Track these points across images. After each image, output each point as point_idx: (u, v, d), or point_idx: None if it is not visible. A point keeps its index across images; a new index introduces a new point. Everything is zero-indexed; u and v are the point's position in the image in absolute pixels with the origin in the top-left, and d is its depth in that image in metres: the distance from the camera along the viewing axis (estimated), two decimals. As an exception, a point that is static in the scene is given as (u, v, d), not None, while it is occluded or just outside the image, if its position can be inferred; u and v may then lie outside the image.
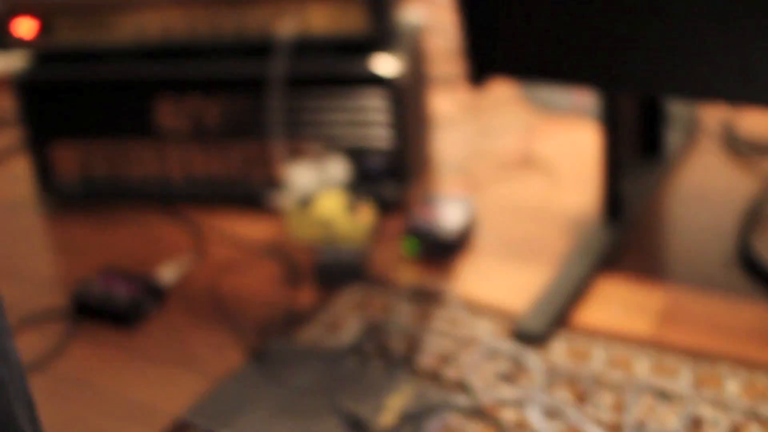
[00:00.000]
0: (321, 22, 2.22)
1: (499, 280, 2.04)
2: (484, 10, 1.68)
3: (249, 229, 2.35)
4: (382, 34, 2.20)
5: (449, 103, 2.99)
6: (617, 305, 1.91)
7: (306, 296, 2.04)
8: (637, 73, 1.65)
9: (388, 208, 2.33)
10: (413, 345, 1.83)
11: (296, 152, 2.36)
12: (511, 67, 1.72)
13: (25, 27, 2.41)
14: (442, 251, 2.11)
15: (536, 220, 2.27)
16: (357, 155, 2.32)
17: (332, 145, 2.32)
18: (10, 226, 2.56)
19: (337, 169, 2.25)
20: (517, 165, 2.53)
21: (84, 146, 2.52)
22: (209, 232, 2.36)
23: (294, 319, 1.96)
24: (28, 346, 2.00)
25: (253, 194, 2.43)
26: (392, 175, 2.32)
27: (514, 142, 2.65)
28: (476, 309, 1.92)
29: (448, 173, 2.53)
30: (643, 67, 1.62)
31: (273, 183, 2.40)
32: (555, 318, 1.85)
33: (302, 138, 2.34)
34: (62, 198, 2.59)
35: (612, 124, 2.05)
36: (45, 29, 2.40)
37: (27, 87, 2.47)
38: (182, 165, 2.47)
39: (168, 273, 2.14)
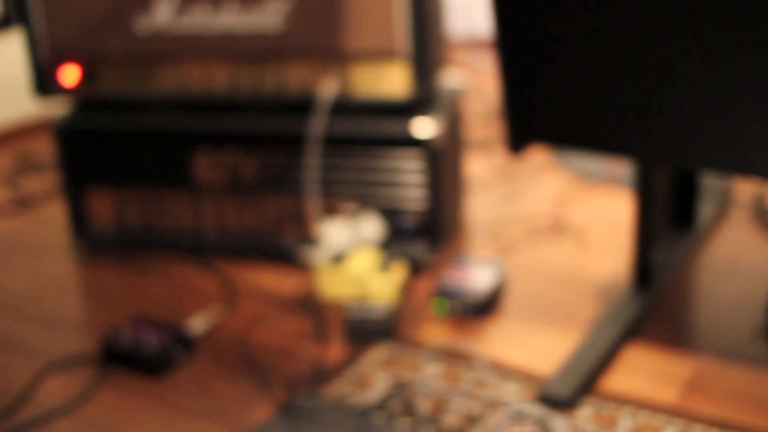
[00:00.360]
0: (361, 82, 2.25)
1: (527, 344, 2.04)
2: (525, 80, 1.70)
3: (280, 283, 2.37)
4: (422, 97, 2.23)
5: (484, 165, 3.01)
6: (644, 373, 1.91)
7: (335, 352, 2.05)
8: (674, 147, 1.67)
9: (419, 267, 2.34)
10: (440, 405, 1.84)
11: (330, 209, 2.38)
12: (549, 136, 1.74)
13: (69, 75, 2.45)
14: (471, 313, 2.12)
15: (566, 285, 2.27)
16: (391, 214, 2.34)
17: (366, 203, 2.34)
18: (43, 271, 2.58)
19: (371, 227, 2.27)
20: (548, 230, 2.54)
21: (120, 194, 2.55)
22: (240, 284, 2.38)
23: (322, 375, 1.96)
24: (56, 390, 2.02)
25: (285, 249, 2.45)
26: (425, 235, 2.33)
27: (546, 208, 2.66)
28: (504, 371, 1.92)
29: (480, 235, 2.55)
30: (680, 141, 1.64)
31: (306, 239, 2.42)
32: (582, 383, 1.85)
33: (337, 196, 2.36)
34: (96, 244, 2.62)
35: (645, 193, 2.06)
36: (88, 78, 2.44)
37: (67, 133, 2.51)
38: (216, 217, 2.50)
39: (198, 324, 2.16)
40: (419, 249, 2.35)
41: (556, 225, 2.56)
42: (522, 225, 2.58)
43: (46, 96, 2.51)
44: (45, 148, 3.20)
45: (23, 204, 3.08)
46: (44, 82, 2.48)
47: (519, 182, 2.88)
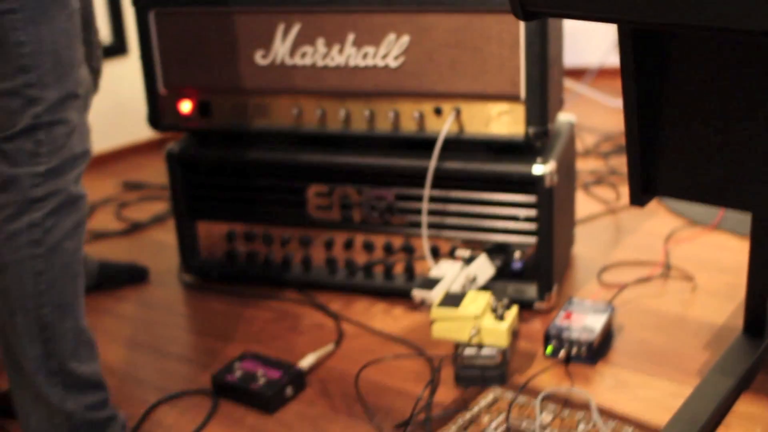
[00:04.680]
0: (476, 121, 2.25)
1: (637, 391, 2.01)
2: (651, 140, 1.70)
3: (389, 321, 2.37)
4: (537, 138, 2.22)
5: (592, 200, 2.99)
6: (760, 428, 1.87)
7: (444, 395, 2.04)
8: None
9: (530, 307, 2.33)
10: (553, 455, 1.83)
11: (442, 249, 2.38)
12: (671, 191, 1.73)
13: (185, 107, 2.49)
14: (582, 359, 2.10)
15: (675, 330, 2.24)
16: (502, 254, 2.33)
17: (478, 243, 2.34)
18: (151, 298, 2.62)
19: (483, 268, 2.26)
20: (657, 270, 2.51)
21: (230, 226, 2.58)
22: (350, 321, 2.39)
23: (432, 419, 1.96)
24: (169, 421, 2.05)
25: (395, 287, 2.45)
26: (536, 276, 2.32)
27: (654, 248, 2.63)
28: (616, 423, 1.90)
29: (589, 275, 2.53)
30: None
31: (416, 277, 2.42)
32: (696, 438, 1.82)
33: (449, 234, 2.36)
34: (204, 275, 2.65)
35: (761, 243, 2.02)
36: (202, 111, 2.47)
37: (180, 164, 2.55)
38: (325, 252, 2.51)
39: (307, 360, 2.17)
40: (530, 290, 2.34)
41: (665, 267, 2.53)
42: (630, 265, 2.55)
43: (161, 129, 2.55)
44: (155, 173, 3.24)
45: (132, 228, 3.13)
46: (159, 116, 2.52)
47: (627, 220, 2.86)
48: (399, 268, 2.45)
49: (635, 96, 1.64)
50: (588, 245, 2.70)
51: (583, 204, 2.93)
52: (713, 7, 1.27)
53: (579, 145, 3.30)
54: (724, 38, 1.53)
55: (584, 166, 3.25)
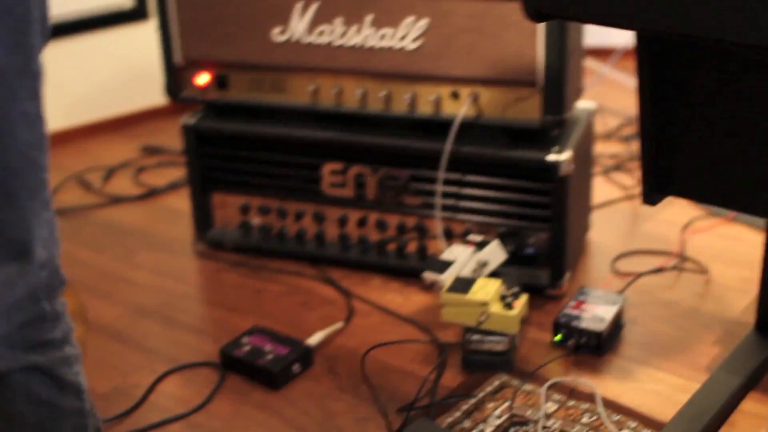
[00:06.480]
0: (493, 106, 2.23)
1: (643, 384, 2.01)
2: (664, 143, 1.69)
3: (399, 300, 2.37)
4: (554, 125, 2.21)
5: (610, 185, 2.98)
6: (766, 428, 1.86)
7: (450, 378, 2.04)
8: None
9: (542, 293, 2.33)
10: (555, 446, 1.83)
11: (455, 231, 2.37)
12: (684, 192, 1.73)
13: (202, 80, 2.48)
14: (590, 349, 2.09)
15: (687, 321, 2.23)
16: (515, 239, 2.32)
17: (491, 227, 2.33)
18: (165, 267, 2.63)
19: (495, 253, 2.25)
20: (672, 260, 2.50)
21: (244, 198, 2.58)
22: (360, 299, 2.39)
23: (437, 403, 1.96)
24: (175, 392, 2.06)
25: (406, 266, 2.45)
26: (548, 262, 2.31)
27: (671, 236, 2.62)
28: (620, 416, 1.89)
29: (603, 261, 2.51)
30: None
31: (428, 257, 2.42)
32: (700, 436, 1.81)
33: (463, 216, 2.36)
34: (217, 245, 2.65)
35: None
36: (221, 84, 2.47)
37: (198, 136, 2.55)
38: (339, 228, 2.51)
39: (316, 337, 2.17)
40: (543, 276, 2.33)
41: (680, 256, 2.51)
42: (645, 253, 2.54)
43: (178, 100, 2.55)
44: (175, 138, 3.24)
45: (149, 193, 3.14)
46: (176, 86, 2.52)
47: (645, 206, 2.82)
48: (412, 247, 2.45)
49: (650, 95, 1.63)
50: (604, 231, 2.68)
51: (602, 189, 2.91)
52: (723, 18, 1.26)
53: (601, 128, 3.27)
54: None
55: (605, 149, 3.23)
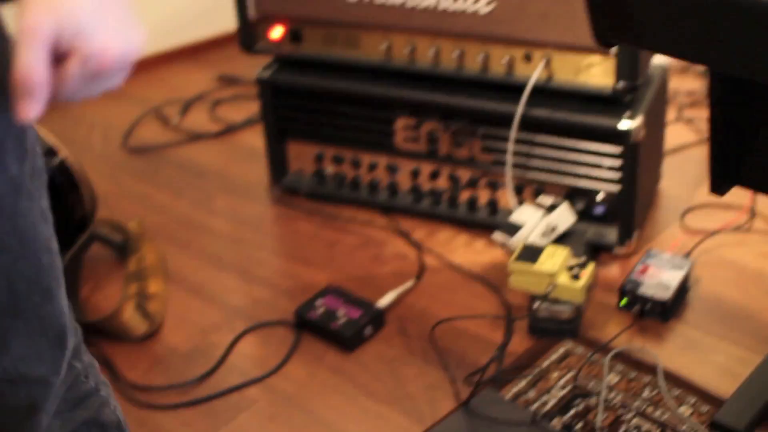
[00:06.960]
0: (565, 69, 2.24)
1: (706, 354, 2.03)
2: (734, 134, 1.69)
3: (470, 257, 2.41)
4: (626, 91, 2.20)
5: (684, 127, 2.95)
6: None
7: (517, 343, 2.10)
8: None
9: (610, 251, 2.35)
10: (615, 422, 1.87)
11: (525, 191, 2.40)
12: (752, 183, 1.73)
13: (276, 33, 2.51)
14: (655, 315, 2.13)
15: (753, 287, 2.23)
16: (584, 200, 2.34)
17: (560, 187, 2.35)
18: (242, 212, 2.70)
19: (564, 216, 2.28)
20: (743, 216, 2.49)
21: (319, 148, 2.63)
22: (430, 251, 2.44)
23: (504, 368, 2.02)
24: (252, 350, 2.15)
25: (477, 218, 2.49)
26: (617, 223, 2.33)
27: (742, 193, 2.60)
28: (681, 390, 1.93)
29: (674, 216, 2.52)
30: None
31: (498, 212, 2.45)
32: (758, 414, 1.82)
33: (533, 175, 2.38)
34: (292, 192, 2.71)
35: None
36: (294, 37, 2.50)
37: (273, 88, 2.59)
38: (411, 180, 2.55)
39: (387, 298, 2.23)
40: (611, 234, 2.35)
41: (749, 214, 2.50)
42: (715, 207, 2.54)
43: (252, 52, 2.58)
44: (251, 67, 3.26)
45: (227, 130, 3.19)
46: (251, 39, 2.55)
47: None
48: (482, 202, 2.48)
49: (721, 85, 1.63)
50: (675, 180, 2.68)
51: (675, 132, 2.89)
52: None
53: (675, 61, 3.23)
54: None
55: (680, 85, 3.20)
